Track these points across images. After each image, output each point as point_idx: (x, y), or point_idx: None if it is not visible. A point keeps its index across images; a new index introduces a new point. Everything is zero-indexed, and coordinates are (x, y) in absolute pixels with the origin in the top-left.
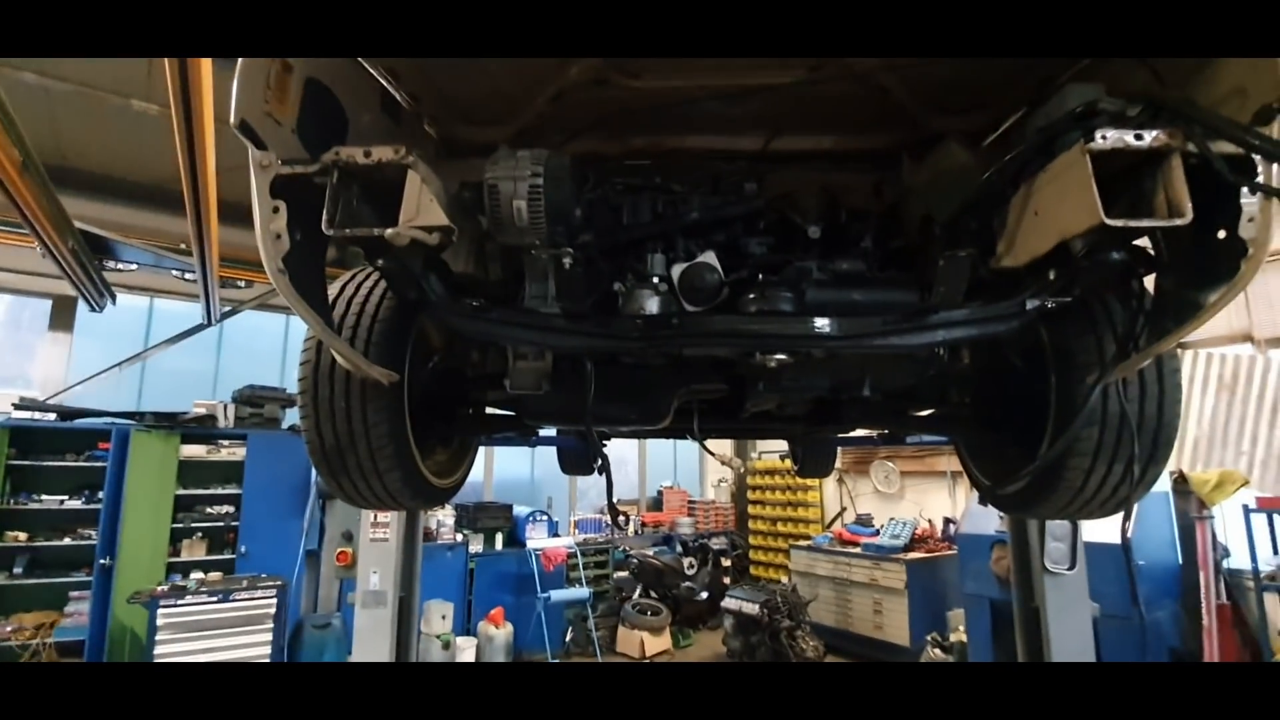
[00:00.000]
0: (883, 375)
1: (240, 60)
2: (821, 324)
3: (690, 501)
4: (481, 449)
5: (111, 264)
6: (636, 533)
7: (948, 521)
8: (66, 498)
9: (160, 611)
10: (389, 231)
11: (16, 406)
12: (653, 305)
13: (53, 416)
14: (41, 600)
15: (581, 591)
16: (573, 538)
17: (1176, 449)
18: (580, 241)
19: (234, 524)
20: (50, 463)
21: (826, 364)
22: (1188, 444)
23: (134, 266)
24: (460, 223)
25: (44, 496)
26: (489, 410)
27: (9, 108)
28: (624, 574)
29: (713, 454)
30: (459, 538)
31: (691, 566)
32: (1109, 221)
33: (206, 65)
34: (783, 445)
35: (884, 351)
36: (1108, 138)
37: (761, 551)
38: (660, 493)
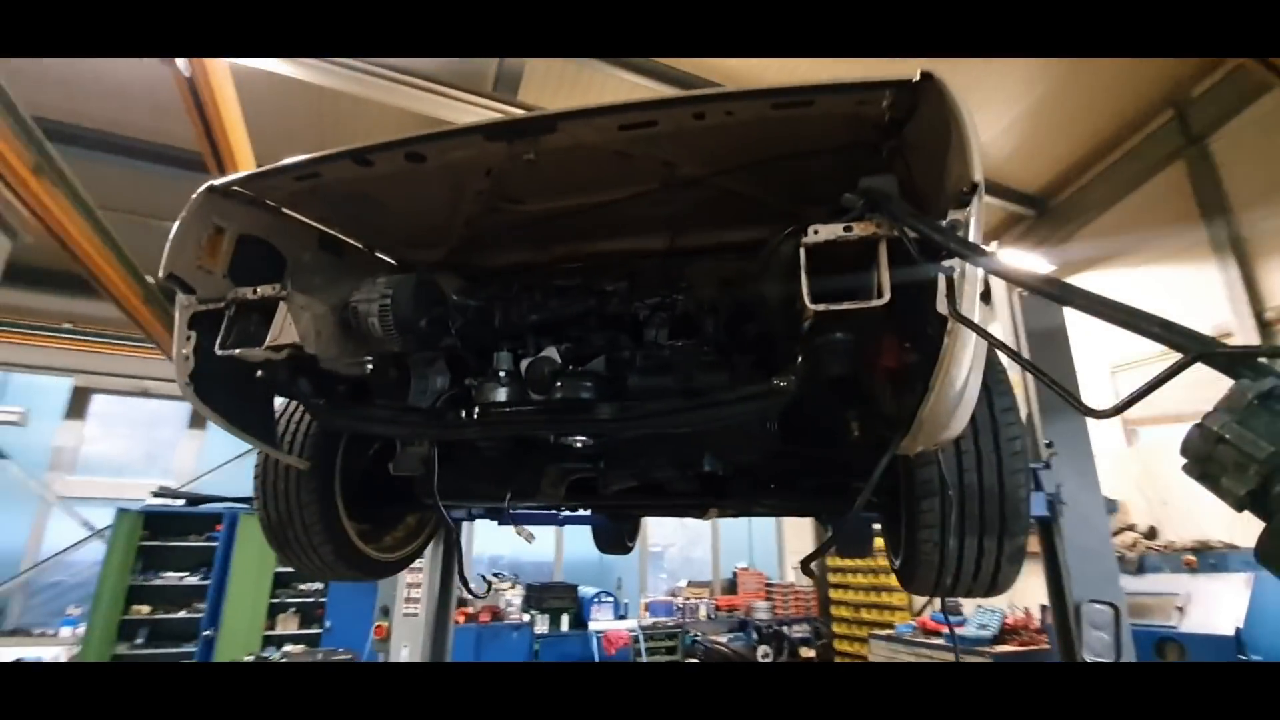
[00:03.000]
0: (722, 450)
1: (176, 222)
2: (586, 408)
3: (767, 584)
4: (552, 529)
5: None
6: (710, 617)
7: (1046, 610)
8: (186, 574)
9: None
10: (239, 351)
11: (154, 494)
12: (499, 395)
13: (181, 502)
14: None
15: None
16: (640, 620)
17: None
18: (445, 344)
19: (322, 600)
20: (176, 543)
21: (654, 442)
22: None
23: None
24: (344, 339)
25: (167, 573)
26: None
27: (126, 251)
28: (694, 658)
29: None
30: (525, 618)
31: (766, 656)
32: (812, 306)
33: None
34: None
35: (650, 430)
36: (819, 231)
37: (846, 641)
38: (735, 574)
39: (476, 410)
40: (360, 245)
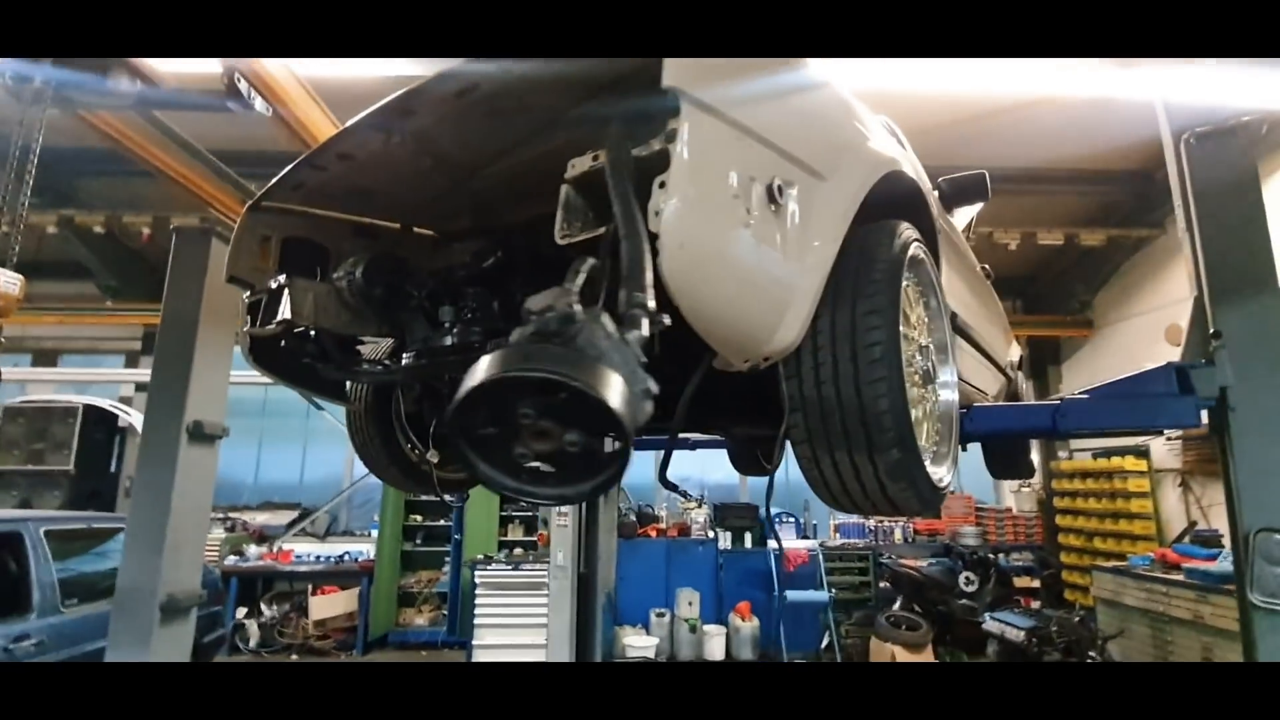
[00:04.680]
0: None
1: (233, 236)
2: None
3: (977, 508)
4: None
5: None
6: (907, 540)
7: None
8: None
9: (477, 572)
10: (253, 330)
11: None
12: (434, 343)
13: None
14: (429, 562)
15: (818, 594)
16: (818, 540)
17: None
18: (413, 305)
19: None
20: None
21: None
22: None
23: None
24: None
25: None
26: None
27: None
28: (885, 584)
29: None
30: (710, 534)
31: (970, 582)
32: (559, 241)
33: None
34: (1097, 442)
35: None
36: (575, 165)
37: (1076, 573)
38: None
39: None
40: (394, 225)
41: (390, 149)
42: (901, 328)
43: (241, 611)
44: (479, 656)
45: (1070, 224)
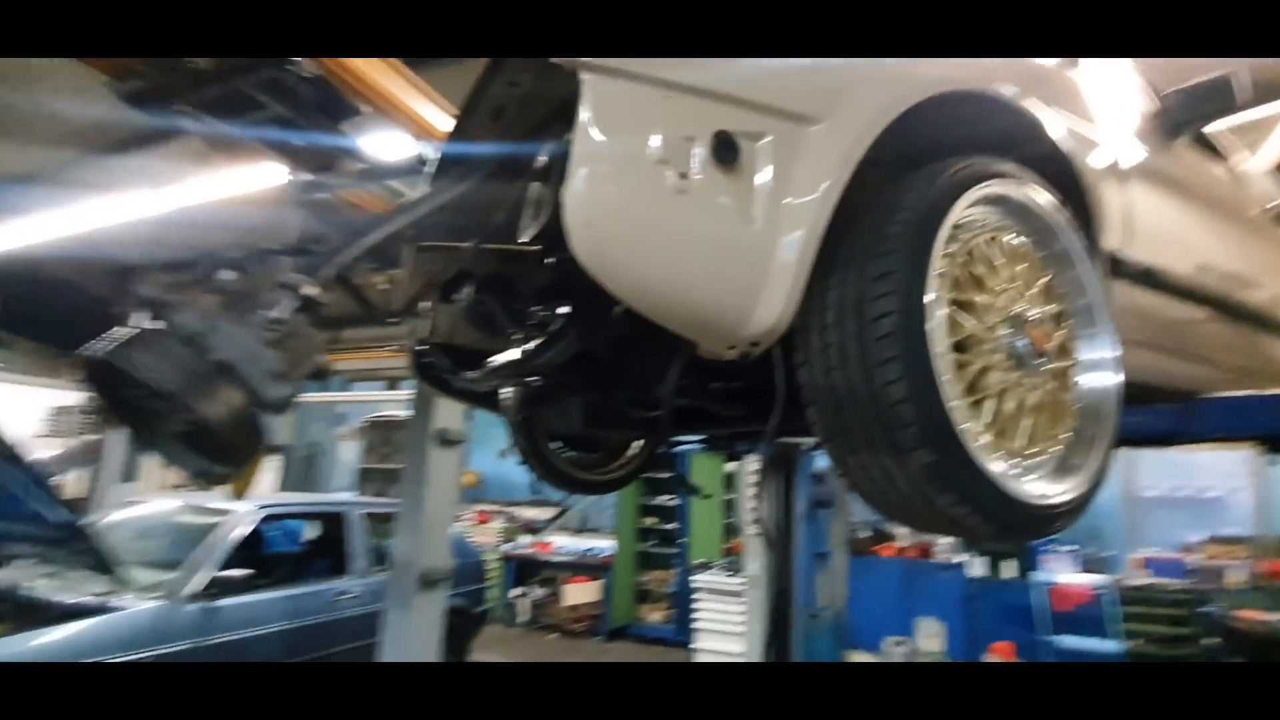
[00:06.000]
0: None
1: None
2: None
3: None
4: None
5: None
6: (1253, 586)
7: None
8: (672, 496)
9: (696, 577)
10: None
11: None
12: None
13: None
14: (661, 563)
15: (1105, 645)
16: (1112, 576)
17: None
18: None
19: None
20: (662, 474)
21: None
22: None
23: None
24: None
25: (660, 496)
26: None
27: None
28: (1214, 640)
29: None
30: (958, 559)
31: None
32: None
33: None
34: None
35: None
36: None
37: None
38: None
39: None
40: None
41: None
42: (973, 294)
43: (516, 591)
44: (699, 659)
45: None
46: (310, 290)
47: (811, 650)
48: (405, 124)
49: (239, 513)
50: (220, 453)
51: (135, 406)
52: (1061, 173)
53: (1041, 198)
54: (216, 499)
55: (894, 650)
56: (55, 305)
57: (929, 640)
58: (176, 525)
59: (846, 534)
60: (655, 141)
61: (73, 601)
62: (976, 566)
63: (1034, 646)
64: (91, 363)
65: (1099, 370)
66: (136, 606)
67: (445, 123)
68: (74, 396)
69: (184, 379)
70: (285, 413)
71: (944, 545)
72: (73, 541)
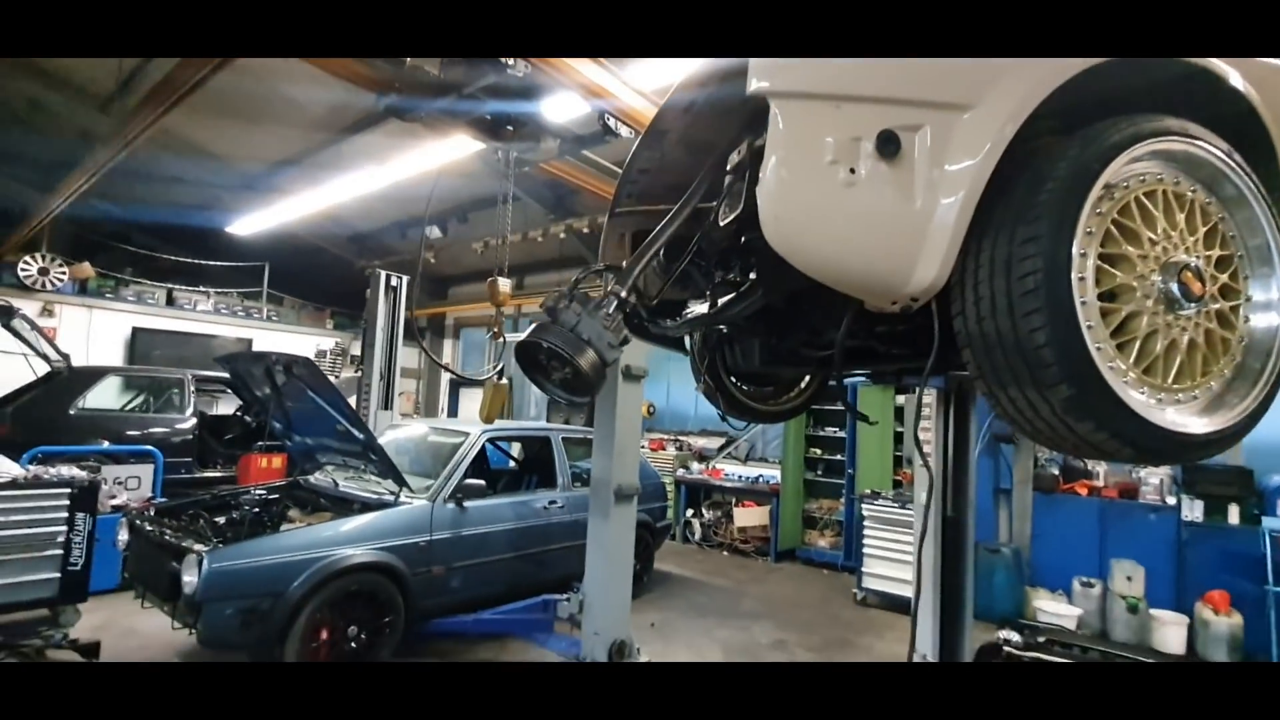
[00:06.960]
0: None
1: (602, 236)
2: None
3: None
4: None
5: None
6: None
7: None
8: (838, 429)
9: (865, 506)
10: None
11: None
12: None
13: None
14: (828, 492)
15: None
16: None
17: None
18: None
19: None
20: (828, 406)
21: None
22: None
23: None
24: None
25: (828, 428)
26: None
27: None
28: None
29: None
30: (1170, 500)
31: None
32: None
33: None
34: None
35: None
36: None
37: None
38: None
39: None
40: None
41: (665, 156)
42: (1125, 247)
43: (689, 512)
44: (868, 584)
45: None
46: (624, 294)
47: (991, 584)
48: (581, 90)
49: (471, 436)
50: (583, 390)
51: (537, 364)
52: (1237, 114)
53: (1209, 146)
54: (455, 423)
55: (1083, 591)
56: (310, 268)
57: (1125, 584)
58: (429, 444)
59: (1030, 470)
60: (829, 145)
61: (370, 496)
62: (1191, 509)
63: (1262, 598)
64: (521, 343)
65: (1272, 310)
66: (410, 504)
67: (614, 84)
68: (329, 342)
69: (570, 347)
70: (611, 368)
71: (1152, 486)
72: (368, 453)
